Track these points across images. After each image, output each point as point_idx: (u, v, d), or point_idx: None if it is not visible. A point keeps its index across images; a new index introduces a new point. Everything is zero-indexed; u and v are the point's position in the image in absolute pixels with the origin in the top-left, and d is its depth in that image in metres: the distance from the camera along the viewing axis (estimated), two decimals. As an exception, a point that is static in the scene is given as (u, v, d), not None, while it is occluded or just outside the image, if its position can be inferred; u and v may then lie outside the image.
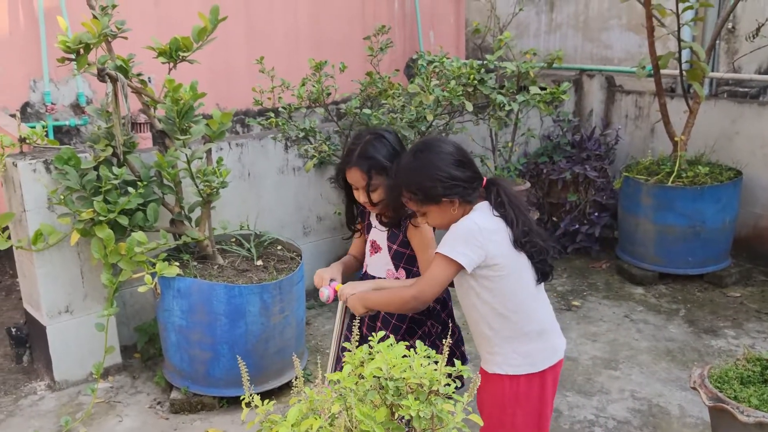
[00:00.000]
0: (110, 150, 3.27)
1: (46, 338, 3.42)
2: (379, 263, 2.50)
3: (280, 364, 3.35)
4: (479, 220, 2.07)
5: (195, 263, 3.39)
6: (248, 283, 3.24)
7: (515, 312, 2.11)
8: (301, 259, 3.47)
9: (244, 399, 1.43)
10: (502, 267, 2.06)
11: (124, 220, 3.20)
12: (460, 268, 2.04)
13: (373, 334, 2.18)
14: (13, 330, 3.73)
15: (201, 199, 3.34)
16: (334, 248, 4.50)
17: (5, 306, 4.42)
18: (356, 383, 1.24)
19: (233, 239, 3.68)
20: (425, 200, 2.09)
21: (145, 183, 3.28)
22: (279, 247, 3.67)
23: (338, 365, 2.35)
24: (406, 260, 2.45)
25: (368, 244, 2.53)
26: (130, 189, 3.23)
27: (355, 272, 2.67)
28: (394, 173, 2.19)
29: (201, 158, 3.31)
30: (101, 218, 3.15)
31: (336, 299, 2.38)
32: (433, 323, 2.53)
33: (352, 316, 2.34)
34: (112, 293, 3.29)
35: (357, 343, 2.33)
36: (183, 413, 3.27)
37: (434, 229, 2.35)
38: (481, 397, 2.19)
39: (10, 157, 3.28)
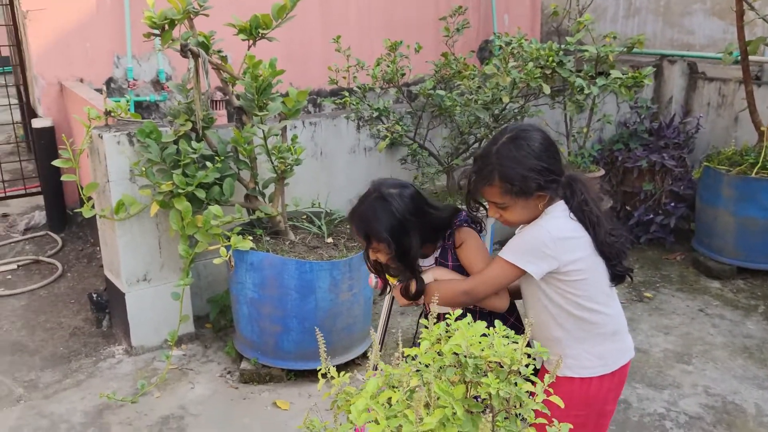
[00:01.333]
0: (190, 125, 3.36)
1: (124, 305, 3.56)
2: None
3: (347, 341, 3.40)
4: (554, 228, 1.92)
5: (267, 238, 3.46)
6: (319, 259, 3.28)
7: (590, 313, 2.00)
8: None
9: (320, 370, 1.45)
10: (578, 272, 1.93)
11: (201, 194, 3.29)
12: (523, 273, 1.94)
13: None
14: (94, 296, 3.89)
15: (275, 175, 3.40)
16: (402, 229, 4.51)
17: (86, 273, 4.62)
18: (433, 359, 1.25)
19: (305, 216, 3.74)
20: (519, 193, 1.91)
21: (222, 158, 3.36)
22: (348, 226, 3.70)
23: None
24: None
25: None
26: (208, 163, 3.31)
27: None
28: (482, 160, 1.98)
29: (277, 135, 3.37)
30: (180, 191, 3.25)
31: (384, 290, 2.27)
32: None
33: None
34: (188, 264, 3.40)
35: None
36: (252, 383, 3.36)
37: (482, 233, 2.18)
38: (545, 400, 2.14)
39: (96, 129, 3.41)
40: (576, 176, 2.02)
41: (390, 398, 1.17)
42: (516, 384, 1.14)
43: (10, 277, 4.55)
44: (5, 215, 5.60)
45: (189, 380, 3.41)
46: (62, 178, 3.39)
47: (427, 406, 1.17)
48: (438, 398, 1.16)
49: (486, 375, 1.15)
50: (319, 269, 3.20)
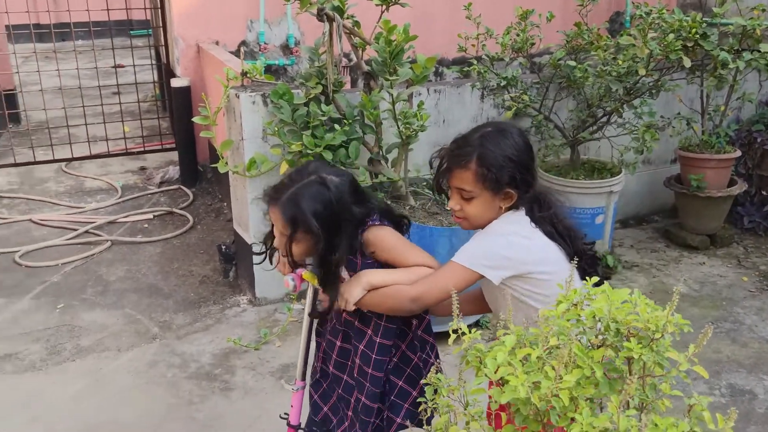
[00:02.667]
0: (320, 88, 3.46)
1: (251, 257, 3.75)
2: None
3: (462, 308, 3.43)
4: (512, 233, 1.83)
5: (389, 202, 3.53)
6: (438, 225, 3.32)
7: None
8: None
9: (451, 326, 1.49)
10: (542, 274, 1.84)
11: (328, 155, 3.39)
12: (479, 277, 1.83)
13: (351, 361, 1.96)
14: (223, 248, 4.12)
15: (400, 140, 3.45)
16: (520, 202, 4.47)
17: (215, 226, 4.89)
18: (570, 322, 1.26)
19: (425, 183, 3.78)
20: (491, 182, 1.81)
21: (349, 121, 3.45)
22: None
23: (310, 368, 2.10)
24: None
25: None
26: (336, 126, 3.41)
27: None
28: (462, 141, 1.88)
29: (405, 101, 3.41)
30: (308, 152, 3.37)
31: (303, 290, 2.02)
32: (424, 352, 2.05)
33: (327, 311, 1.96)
34: (312, 222, 3.52)
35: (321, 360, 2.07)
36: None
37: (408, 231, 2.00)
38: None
39: (233, 89, 3.58)
40: (547, 192, 1.97)
41: (527, 355, 1.19)
42: (660, 351, 1.14)
43: (147, 226, 4.89)
44: (143, 168, 6.00)
45: (307, 333, 3.56)
46: (201, 134, 3.59)
47: (565, 366, 1.19)
48: (575, 360, 1.17)
49: (628, 340, 1.15)
50: (438, 235, 3.23)
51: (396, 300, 1.83)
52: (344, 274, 1.92)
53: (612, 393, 1.12)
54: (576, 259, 1.84)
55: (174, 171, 5.71)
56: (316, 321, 2.07)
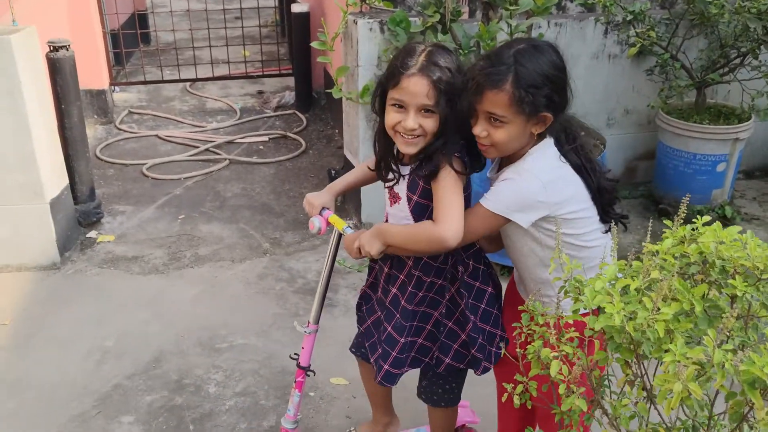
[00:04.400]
0: (437, 17, 3.42)
1: (359, 183, 3.84)
2: (398, 216, 1.94)
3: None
4: (542, 172, 1.72)
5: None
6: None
7: (580, 250, 1.79)
8: (604, 147, 3.39)
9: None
10: (571, 213, 1.76)
11: (441, 85, 3.38)
12: (507, 221, 1.75)
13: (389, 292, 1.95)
14: (333, 172, 4.24)
15: (515, 73, 3.39)
16: (635, 144, 4.31)
17: (325, 152, 5.02)
18: (674, 257, 1.24)
19: (537, 119, 3.71)
20: (526, 105, 1.65)
21: (465, 52, 3.41)
22: (582, 133, 3.60)
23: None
24: (429, 215, 1.86)
25: (385, 191, 1.99)
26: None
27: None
28: (495, 58, 1.68)
29: (523, 32, 3.33)
30: (421, 81, 3.37)
31: (328, 232, 2.04)
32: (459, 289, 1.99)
33: (372, 260, 1.99)
34: (421, 152, 3.56)
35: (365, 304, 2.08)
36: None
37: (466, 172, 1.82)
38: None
39: (352, 15, 3.61)
40: (572, 118, 1.81)
41: (626, 286, 1.19)
42: (764, 292, 1.11)
43: (262, 147, 5.09)
44: (261, 92, 6.20)
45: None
46: (318, 60, 3.66)
47: (664, 300, 1.18)
48: (677, 293, 1.16)
49: (733, 278, 1.13)
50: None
51: (425, 237, 1.75)
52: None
53: (710, 329, 1.12)
54: (597, 201, 1.79)
55: (290, 96, 5.87)
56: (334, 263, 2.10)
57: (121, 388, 2.74)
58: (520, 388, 1.50)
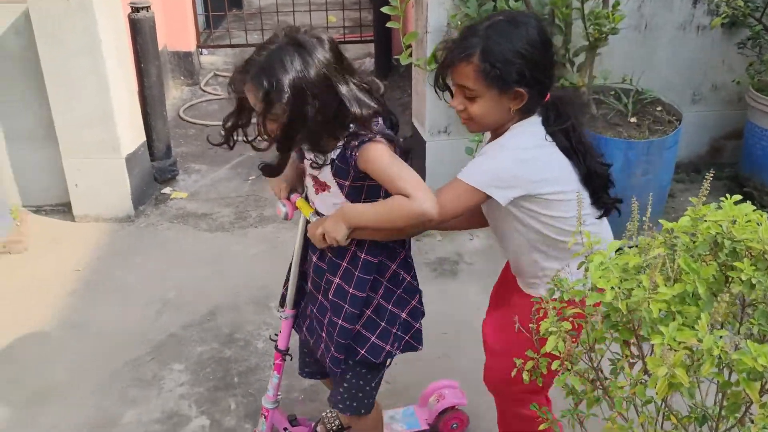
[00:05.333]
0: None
1: (424, 152, 3.81)
2: (330, 201, 1.76)
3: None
4: (518, 148, 1.66)
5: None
6: (617, 137, 3.13)
7: (569, 235, 1.63)
8: (679, 123, 3.21)
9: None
10: (553, 194, 1.67)
11: (509, 54, 3.29)
12: (486, 198, 1.66)
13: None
14: (401, 140, 4.22)
15: (588, 43, 3.25)
16: (723, 123, 4.05)
17: (401, 119, 4.93)
18: (687, 235, 1.17)
19: (612, 92, 3.55)
20: (495, 79, 1.60)
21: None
22: (659, 108, 3.43)
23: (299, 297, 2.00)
24: (367, 192, 1.72)
25: (308, 178, 1.82)
26: (521, 23, 3.27)
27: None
28: (468, 31, 1.66)
29: (599, -1, 3.18)
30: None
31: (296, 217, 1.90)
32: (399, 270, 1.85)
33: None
34: (486, 122, 3.48)
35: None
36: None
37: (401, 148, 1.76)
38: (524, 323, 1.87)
39: (422, -20, 3.55)
40: (566, 97, 1.74)
41: (628, 262, 1.13)
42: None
43: (337, 113, 5.12)
44: (342, 59, 6.22)
45: (469, 232, 3.60)
46: (387, 25, 3.62)
47: (668, 280, 1.12)
48: (682, 273, 1.10)
49: (742, 261, 1.05)
50: (614, 147, 3.07)
51: (403, 214, 1.62)
52: (320, 174, 1.73)
53: (704, 313, 1.05)
54: (588, 184, 1.70)
55: (370, 63, 5.86)
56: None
57: (176, 338, 2.87)
58: (530, 364, 1.46)
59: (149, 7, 3.79)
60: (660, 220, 1.22)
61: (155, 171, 4.03)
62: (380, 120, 1.73)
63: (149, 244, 3.55)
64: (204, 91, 5.55)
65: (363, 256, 1.76)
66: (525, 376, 1.46)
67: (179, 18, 5.46)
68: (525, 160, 1.66)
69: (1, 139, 3.61)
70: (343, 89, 1.60)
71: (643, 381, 1.17)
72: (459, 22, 3.36)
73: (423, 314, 1.95)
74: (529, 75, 1.61)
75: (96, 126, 3.53)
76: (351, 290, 1.78)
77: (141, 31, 3.76)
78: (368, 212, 1.67)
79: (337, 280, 1.79)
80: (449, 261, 3.38)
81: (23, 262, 3.38)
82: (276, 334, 2.11)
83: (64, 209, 3.77)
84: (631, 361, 1.18)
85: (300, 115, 1.56)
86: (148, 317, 3.00)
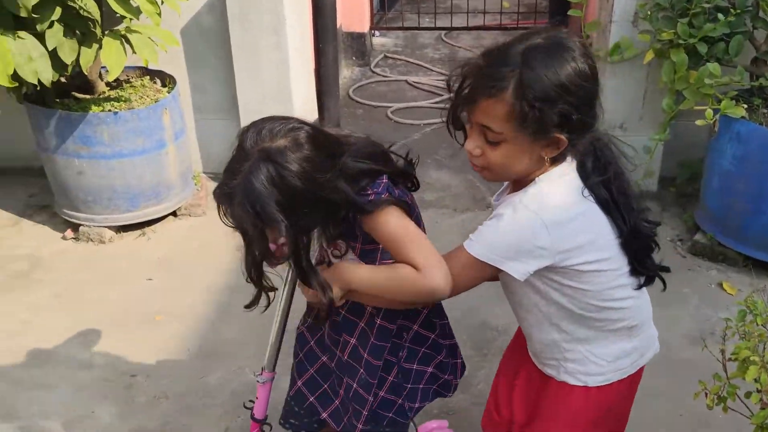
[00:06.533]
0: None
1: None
2: (343, 260, 1.55)
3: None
4: (547, 210, 1.30)
5: (765, 111, 3.08)
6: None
7: (600, 311, 1.42)
8: None
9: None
10: (584, 264, 1.34)
11: (702, 48, 3.05)
12: (500, 270, 1.35)
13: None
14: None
15: (797, 39, 2.93)
16: None
17: (569, 111, 4.82)
18: None
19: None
20: (531, 122, 1.25)
21: (738, 12, 3.02)
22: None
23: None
24: (383, 254, 1.51)
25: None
26: (720, 16, 3.02)
27: None
28: (497, 56, 1.29)
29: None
30: (680, 41, 3.06)
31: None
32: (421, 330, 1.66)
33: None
34: (668, 120, 3.28)
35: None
36: (701, 258, 3.20)
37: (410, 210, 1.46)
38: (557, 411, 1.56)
39: (612, -34, 3.37)
40: (605, 136, 1.36)
41: None
42: None
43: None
44: (513, 45, 6.09)
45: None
46: (569, 13, 3.49)
47: None
48: None
49: None
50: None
51: (407, 285, 1.38)
52: (350, 255, 1.52)
53: None
54: (627, 246, 1.38)
55: (541, 51, 5.68)
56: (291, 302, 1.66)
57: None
58: (716, 388, 1.35)
59: (332, -12, 3.90)
60: None
61: (324, 148, 4.16)
62: (384, 180, 1.47)
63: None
64: (374, 72, 5.65)
65: (379, 321, 1.57)
66: (709, 401, 1.35)
67: (356, 0, 5.58)
68: (553, 225, 1.30)
69: (190, 110, 3.88)
70: (326, 186, 1.34)
71: None
72: (649, 12, 3.16)
73: (455, 366, 1.76)
74: (576, 117, 1.27)
75: (274, 102, 3.69)
76: (366, 355, 1.59)
77: (322, 12, 3.88)
78: (368, 278, 1.43)
79: (353, 341, 1.60)
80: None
81: (200, 225, 3.63)
82: (251, 400, 1.78)
83: (239, 178, 4.00)
84: None
85: (298, 224, 1.34)
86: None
